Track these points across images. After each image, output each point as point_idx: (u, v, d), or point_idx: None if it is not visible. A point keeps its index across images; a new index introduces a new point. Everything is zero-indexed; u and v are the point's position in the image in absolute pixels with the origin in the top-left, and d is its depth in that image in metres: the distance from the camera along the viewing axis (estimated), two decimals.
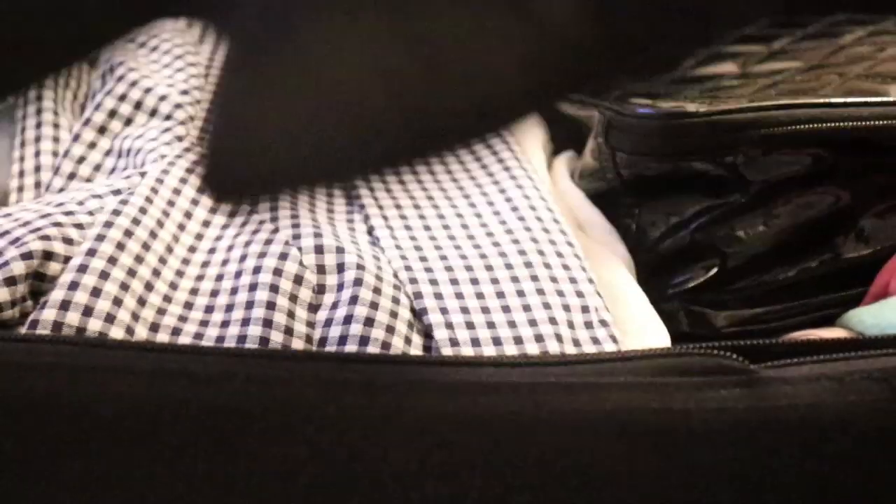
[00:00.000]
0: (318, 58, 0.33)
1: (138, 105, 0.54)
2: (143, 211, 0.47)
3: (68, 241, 0.45)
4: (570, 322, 0.46)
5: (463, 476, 0.37)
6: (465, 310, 0.46)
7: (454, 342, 0.44)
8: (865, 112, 0.49)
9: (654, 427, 0.36)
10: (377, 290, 0.45)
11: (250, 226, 0.48)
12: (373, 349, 0.43)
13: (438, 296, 0.46)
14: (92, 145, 0.54)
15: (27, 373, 0.35)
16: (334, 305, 0.45)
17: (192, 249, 0.48)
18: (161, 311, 0.44)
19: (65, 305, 0.41)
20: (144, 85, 0.55)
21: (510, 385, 0.36)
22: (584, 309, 0.46)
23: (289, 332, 0.43)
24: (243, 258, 0.46)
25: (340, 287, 0.45)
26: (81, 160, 0.53)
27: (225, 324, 0.44)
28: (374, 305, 0.44)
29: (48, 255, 0.43)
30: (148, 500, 0.37)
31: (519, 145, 0.56)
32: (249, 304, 0.44)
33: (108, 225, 0.45)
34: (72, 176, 0.52)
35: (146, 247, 0.46)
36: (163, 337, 0.43)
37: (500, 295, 0.47)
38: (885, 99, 0.49)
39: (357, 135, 0.33)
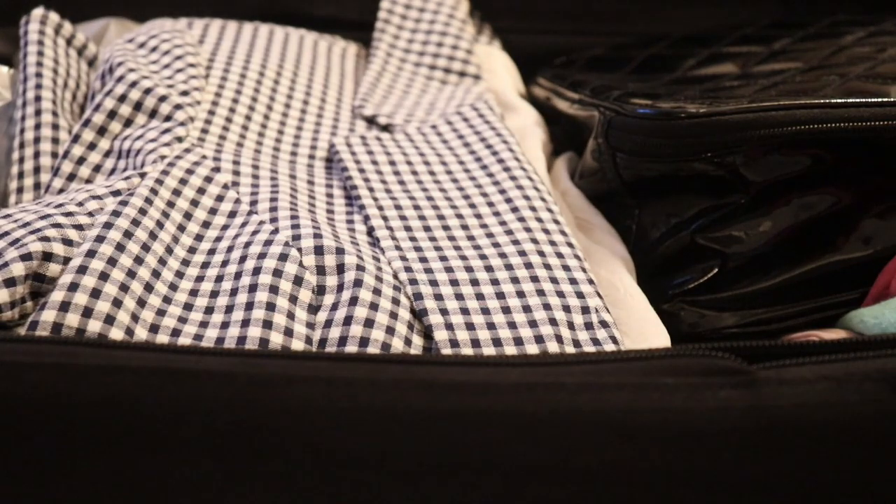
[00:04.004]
0: None
1: (138, 106, 0.54)
2: (142, 212, 0.47)
3: (68, 242, 0.44)
4: (571, 323, 0.46)
5: (462, 476, 0.37)
6: (465, 311, 0.46)
7: (454, 343, 0.44)
8: (865, 112, 0.49)
9: (654, 427, 0.36)
10: (377, 292, 0.45)
11: (250, 227, 0.48)
12: (373, 350, 0.43)
13: (438, 297, 0.46)
14: (91, 146, 0.53)
15: (27, 373, 0.35)
16: (334, 307, 0.45)
17: (191, 251, 0.48)
18: (160, 313, 0.44)
19: (64, 307, 0.41)
20: (144, 86, 0.55)
21: (510, 385, 0.36)
22: (585, 310, 0.46)
23: (288, 333, 0.43)
24: (243, 259, 0.46)
25: (340, 288, 0.45)
26: (81, 161, 0.53)
27: (224, 325, 0.44)
28: (373, 307, 0.44)
29: (48, 257, 0.43)
30: (148, 500, 0.37)
31: (519, 146, 0.56)
32: (249, 306, 0.44)
33: (108, 226, 0.45)
34: (71, 177, 0.52)
35: (146, 248, 0.46)
36: (162, 338, 0.43)
37: (501, 296, 0.47)
38: (885, 99, 0.49)
39: None
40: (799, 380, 0.37)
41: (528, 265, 0.48)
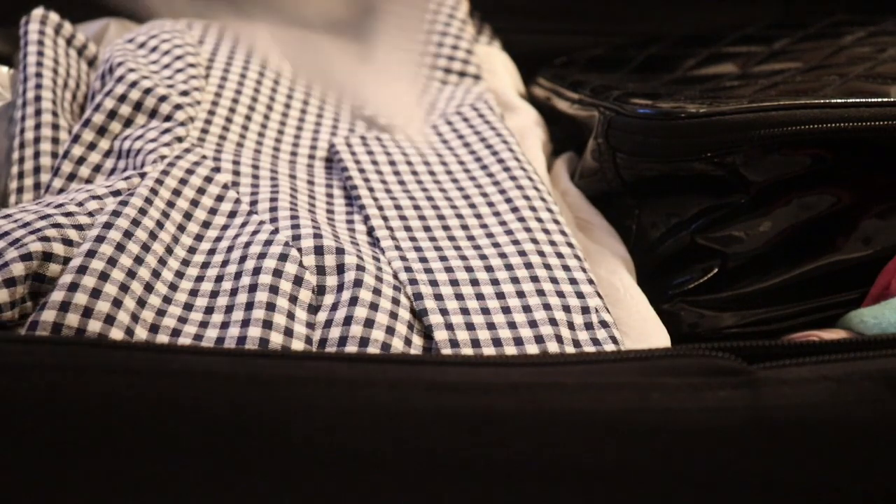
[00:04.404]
0: None
1: (138, 106, 0.54)
2: (142, 212, 0.47)
3: (68, 242, 0.45)
4: (571, 323, 0.46)
5: (462, 476, 0.36)
6: (465, 311, 0.46)
7: (454, 343, 0.44)
8: (865, 112, 0.49)
9: (654, 428, 0.36)
10: (377, 292, 0.45)
11: (250, 227, 0.48)
12: (372, 350, 0.43)
13: (438, 297, 0.46)
14: (91, 146, 0.54)
15: (27, 373, 0.35)
16: (334, 307, 0.45)
17: (191, 251, 0.48)
18: (160, 313, 0.44)
19: (64, 307, 0.41)
20: (144, 86, 0.55)
21: (510, 385, 0.36)
22: (585, 310, 0.46)
23: (288, 333, 0.43)
24: (243, 259, 0.46)
25: (340, 288, 0.45)
26: (81, 161, 0.53)
27: (224, 325, 0.44)
28: (373, 307, 0.44)
29: (48, 257, 0.43)
30: (147, 500, 0.36)
31: (519, 146, 0.56)
32: (249, 306, 0.44)
33: (108, 226, 0.45)
34: (71, 177, 0.52)
35: (146, 248, 0.46)
36: (162, 338, 0.43)
37: (501, 296, 0.47)
38: (885, 99, 0.49)
39: None
40: (799, 380, 0.37)
41: (528, 265, 0.48)
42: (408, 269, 0.47)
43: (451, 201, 0.53)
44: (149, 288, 0.45)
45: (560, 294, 0.47)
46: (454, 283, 0.47)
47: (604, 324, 0.46)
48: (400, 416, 0.36)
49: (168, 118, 0.54)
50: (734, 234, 0.52)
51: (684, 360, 0.37)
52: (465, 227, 0.51)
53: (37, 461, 0.36)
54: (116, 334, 0.42)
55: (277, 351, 0.41)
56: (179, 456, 0.36)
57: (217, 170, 0.52)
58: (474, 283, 0.47)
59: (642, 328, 0.48)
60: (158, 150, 0.52)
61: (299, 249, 0.46)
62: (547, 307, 0.46)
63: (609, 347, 0.45)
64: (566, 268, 0.48)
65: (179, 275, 0.47)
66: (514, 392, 0.36)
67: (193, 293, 0.46)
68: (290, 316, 0.44)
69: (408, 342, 0.44)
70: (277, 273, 0.45)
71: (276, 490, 0.36)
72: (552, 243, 0.50)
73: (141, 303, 0.44)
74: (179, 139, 0.53)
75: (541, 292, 0.47)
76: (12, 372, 0.35)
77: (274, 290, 0.44)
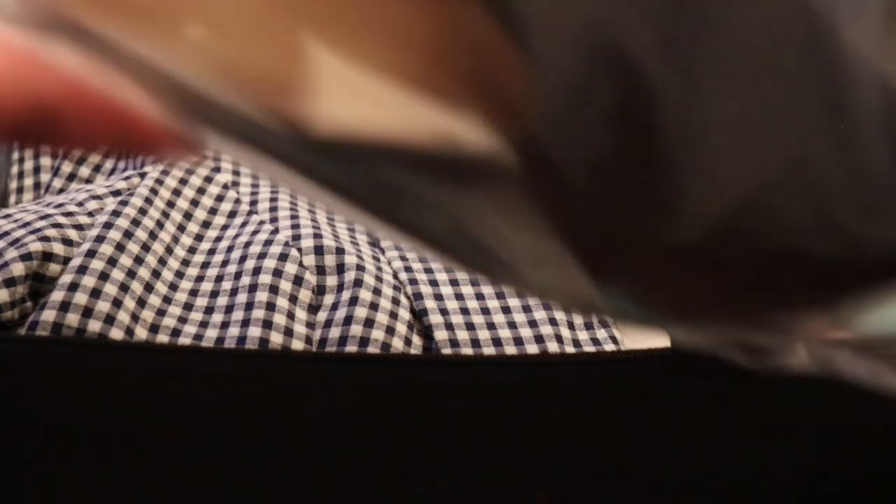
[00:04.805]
0: None
1: None
2: (142, 212, 0.47)
3: (68, 242, 0.45)
4: (571, 323, 0.46)
5: (463, 476, 0.37)
6: (465, 311, 0.46)
7: (454, 343, 0.44)
8: None
9: (654, 427, 0.36)
10: (377, 292, 0.45)
11: (250, 227, 0.48)
12: (372, 350, 0.43)
13: (438, 297, 0.46)
14: None
15: (27, 373, 0.35)
16: (334, 306, 0.45)
17: (191, 251, 0.48)
18: (161, 313, 0.44)
19: (64, 306, 0.41)
20: None
21: (509, 385, 0.36)
22: None
23: (288, 333, 0.43)
24: (243, 259, 0.46)
25: (340, 288, 0.45)
26: (81, 161, 0.53)
27: (224, 325, 0.44)
28: (373, 306, 0.44)
29: (48, 257, 0.43)
30: (147, 500, 0.37)
31: None
32: (249, 306, 0.44)
33: (108, 226, 0.45)
34: (71, 177, 0.52)
35: (146, 248, 0.46)
36: (162, 338, 0.43)
37: (500, 296, 0.47)
38: None
39: None
40: (798, 380, 0.37)
41: None
42: (408, 269, 0.47)
43: None
44: (149, 288, 0.45)
45: None
46: (454, 282, 0.47)
47: (604, 323, 0.46)
48: (400, 416, 0.36)
49: None
50: None
51: (684, 360, 0.37)
52: None
53: (36, 461, 0.36)
54: (116, 334, 0.42)
55: (277, 351, 0.41)
56: (179, 455, 0.36)
57: (217, 170, 0.52)
58: (474, 282, 0.47)
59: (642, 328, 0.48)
60: None
61: (299, 249, 0.46)
62: (547, 307, 0.46)
63: (609, 347, 0.45)
64: None
65: (179, 275, 0.47)
66: (514, 392, 0.36)
67: (193, 293, 0.46)
68: (290, 316, 0.44)
69: (408, 342, 0.44)
70: (277, 273, 0.45)
71: (275, 490, 0.36)
72: None
73: (141, 303, 0.44)
74: None
75: None
76: (12, 372, 0.35)
77: (274, 289, 0.44)
